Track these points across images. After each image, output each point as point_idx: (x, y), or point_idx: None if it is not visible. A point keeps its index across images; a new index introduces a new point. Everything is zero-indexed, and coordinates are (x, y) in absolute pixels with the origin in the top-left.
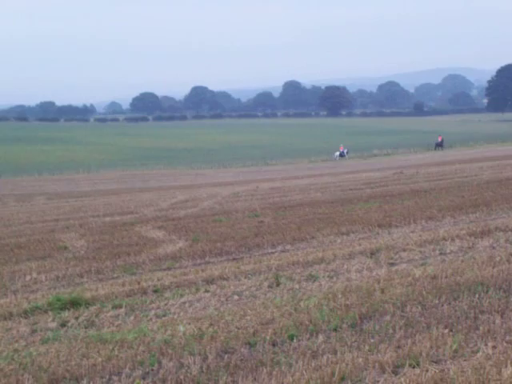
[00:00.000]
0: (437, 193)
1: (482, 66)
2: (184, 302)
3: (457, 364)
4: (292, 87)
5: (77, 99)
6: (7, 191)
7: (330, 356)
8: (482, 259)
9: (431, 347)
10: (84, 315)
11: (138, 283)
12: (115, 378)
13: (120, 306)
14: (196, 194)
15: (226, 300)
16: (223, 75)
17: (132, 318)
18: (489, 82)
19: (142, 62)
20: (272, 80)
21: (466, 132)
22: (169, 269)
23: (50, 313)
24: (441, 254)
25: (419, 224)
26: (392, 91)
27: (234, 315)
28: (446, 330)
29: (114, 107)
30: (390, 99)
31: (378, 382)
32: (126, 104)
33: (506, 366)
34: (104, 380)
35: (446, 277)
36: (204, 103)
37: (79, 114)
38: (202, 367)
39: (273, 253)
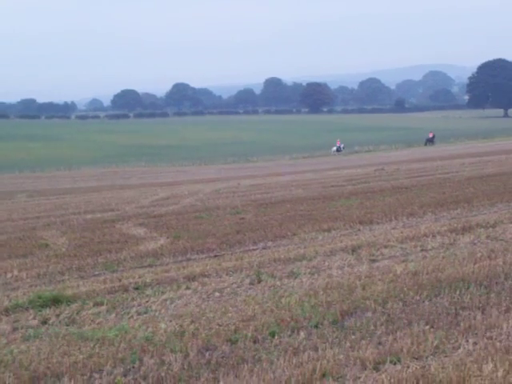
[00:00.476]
0: (418, 189)
1: (462, 63)
2: (165, 299)
3: (438, 360)
4: (273, 84)
5: (58, 96)
6: None
7: (311, 353)
8: (463, 255)
9: (412, 343)
10: (65, 313)
11: (119, 280)
12: (96, 375)
13: (101, 304)
14: (177, 191)
15: (208, 297)
16: (204, 72)
17: (113, 315)
18: (470, 78)
19: (122, 59)
20: (253, 77)
21: (447, 128)
22: (150, 266)
23: (31, 310)
24: (422, 250)
25: (400, 220)
26: (373, 88)
27: (215, 312)
28: (427, 327)
29: (95, 104)
30: (372, 96)
31: (359, 378)
32: (107, 101)
33: (487, 362)
34: (85, 377)
35: (427, 273)
36: (185, 100)
37: (60, 111)
38: (183, 364)
39: (254, 250)
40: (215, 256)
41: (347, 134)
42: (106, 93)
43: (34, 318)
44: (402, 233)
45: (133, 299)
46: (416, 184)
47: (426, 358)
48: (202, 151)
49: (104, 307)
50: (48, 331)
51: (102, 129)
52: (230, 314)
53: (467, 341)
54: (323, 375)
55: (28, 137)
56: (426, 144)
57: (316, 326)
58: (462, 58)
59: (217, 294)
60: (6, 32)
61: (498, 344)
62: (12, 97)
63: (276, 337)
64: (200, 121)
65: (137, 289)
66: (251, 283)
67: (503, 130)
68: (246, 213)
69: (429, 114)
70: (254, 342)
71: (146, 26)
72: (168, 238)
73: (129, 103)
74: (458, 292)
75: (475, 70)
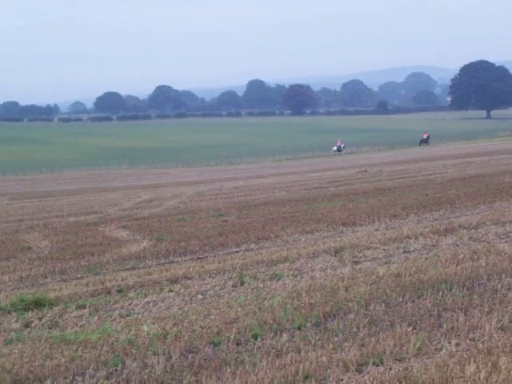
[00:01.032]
0: (401, 191)
1: (445, 65)
2: (148, 302)
3: (420, 362)
4: (256, 86)
5: (40, 99)
6: None
7: (293, 355)
8: (446, 257)
9: (395, 345)
10: (48, 316)
11: (102, 283)
12: (79, 378)
13: (84, 307)
14: (160, 194)
15: (190, 299)
16: (187, 74)
17: (96, 318)
18: (452, 80)
19: (105, 62)
20: (236, 79)
21: (430, 130)
22: (133, 268)
23: (13, 313)
24: (405, 252)
25: (383, 222)
26: (356, 90)
27: (198, 315)
28: (410, 328)
29: (77, 107)
30: (354, 97)
31: (342, 380)
32: (89, 104)
33: (470, 364)
34: (67, 381)
35: (409, 275)
36: (168, 102)
37: (43, 113)
38: (165, 367)
39: (237, 252)
40: (198, 258)
41: (330, 135)
42: (88, 95)
43: (17, 321)
44: (384, 234)
45: (115, 302)
46: (399, 186)
47: (409, 359)
48: (185, 154)
49: (87, 310)
50: (30, 334)
51: (85, 131)
52: (212, 317)
53: (450, 342)
54: (306, 377)
55: (10, 140)
56: (420, 144)
57: (299, 328)
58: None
59: (199, 296)
60: None
61: (481, 345)
62: None
63: (259, 339)
64: (183, 123)
65: (119, 291)
66: (234, 285)
67: (486, 131)
68: (229, 215)
69: (411, 115)
70: (237, 345)
71: (128, 29)
72: (151, 240)
73: (112, 106)
74: (440, 293)
75: (458, 71)
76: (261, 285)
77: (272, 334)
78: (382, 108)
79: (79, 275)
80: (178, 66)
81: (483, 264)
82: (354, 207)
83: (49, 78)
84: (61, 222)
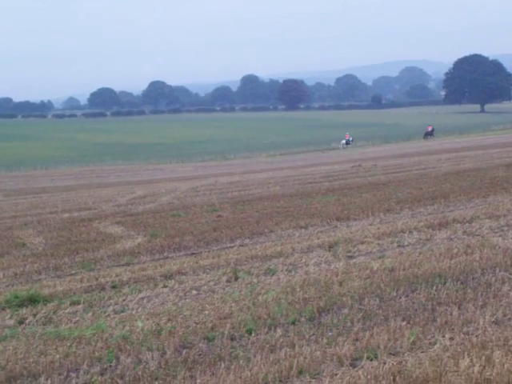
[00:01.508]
0: (395, 185)
1: (439, 59)
2: (142, 298)
3: (414, 356)
4: (250, 81)
5: (34, 95)
6: None
7: (288, 350)
8: (440, 251)
9: (389, 339)
10: (42, 312)
11: (96, 279)
12: (73, 374)
13: (78, 303)
14: (154, 189)
15: (185, 295)
16: (181, 69)
17: (90, 314)
18: (446, 74)
19: (99, 58)
20: (230, 74)
21: (424, 124)
22: (127, 264)
23: (7, 310)
24: (399, 246)
25: (377, 217)
26: (350, 84)
27: (192, 310)
28: (404, 323)
29: (71, 103)
30: (348, 92)
31: (336, 375)
32: (83, 100)
33: (463, 358)
34: (62, 377)
35: (403, 269)
36: (162, 98)
37: (37, 110)
38: (160, 363)
39: (231, 247)
40: (192, 254)
41: (324, 130)
42: (82, 91)
43: (11, 318)
44: (378, 229)
45: (110, 298)
46: (393, 180)
47: (403, 353)
48: (179, 149)
49: (81, 306)
50: (25, 331)
51: (79, 128)
52: (206, 312)
53: (444, 336)
54: (300, 372)
55: (4, 136)
56: (424, 137)
57: (293, 323)
58: (439, 54)
59: (194, 291)
60: None
61: (475, 339)
62: None
63: (253, 334)
64: (177, 119)
65: (114, 287)
66: (228, 281)
67: (480, 125)
68: (223, 210)
69: (405, 109)
70: (231, 340)
71: (122, 24)
72: (145, 236)
73: (106, 102)
74: (434, 288)
75: (452, 65)
76: (255, 280)
77: (266, 329)
78: (376, 102)
79: (73, 271)
80: (171, 62)
81: (477, 258)
82: (348, 202)
83: (43, 74)
84: (55, 219)
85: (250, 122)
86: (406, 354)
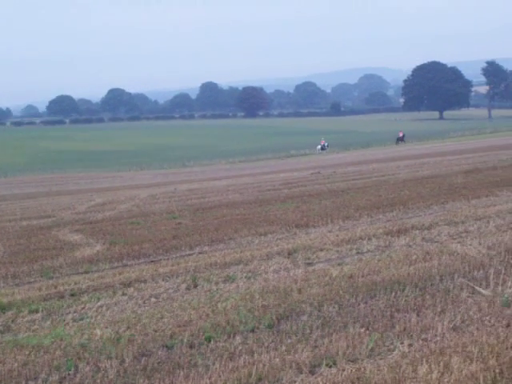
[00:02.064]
0: (354, 192)
1: (397, 66)
2: (101, 306)
3: (373, 363)
4: (209, 88)
5: None
6: None
7: (247, 357)
8: (399, 258)
9: (348, 346)
10: (0, 320)
11: (55, 287)
12: (31, 383)
13: (37, 311)
14: (114, 197)
15: (144, 303)
16: (140, 77)
17: (49, 322)
18: (405, 81)
19: (57, 65)
20: (189, 81)
21: (383, 131)
22: (86, 272)
23: None
24: (358, 253)
25: (336, 224)
26: (309, 91)
27: (151, 318)
28: (363, 329)
29: (30, 110)
30: (308, 99)
31: (295, 382)
32: (42, 107)
33: (422, 364)
34: None
35: (362, 276)
36: (121, 105)
37: None
38: (118, 371)
39: (190, 254)
40: (151, 261)
41: (283, 137)
42: (41, 99)
43: None
44: (337, 236)
45: (68, 306)
46: (352, 187)
47: (362, 360)
48: (139, 157)
49: (39, 314)
50: None
51: (38, 135)
52: (165, 320)
53: (402, 343)
54: (259, 379)
55: None
56: (397, 143)
57: (252, 331)
58: (397, 61)
59: (153, 299)
60: None
61: (433, 345)
62: None
63: (212, 342)
64: (136, 126)
65: (73, 295)
66: (187, 288)
67: (438, 132)
68: (183, 218)
69: (364, 117)
70: (190, 347)
71: (80, 32)
72: (104, 244)
73: (64, 109)
74: (393, 294)
75: (410, 72)
76: (214, 287)
77: (225, 337)
78: (335, 110)
79: (32, 279)
80: (130, 69)
81: (436, 264)
82: (307, 209)
83: (1, 81)
84: (14, 227)
85: (210, 129)
86: (364, 361)
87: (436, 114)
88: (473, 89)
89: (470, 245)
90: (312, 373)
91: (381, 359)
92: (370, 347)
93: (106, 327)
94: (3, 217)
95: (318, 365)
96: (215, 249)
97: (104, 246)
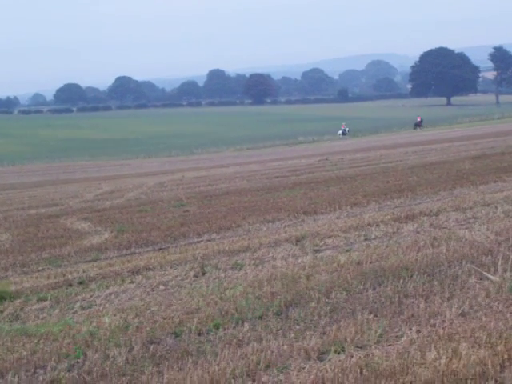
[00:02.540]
0: (362, 179)
1: (405, 52)
2: (109, 294)
3: (381, 349)
4: (216, 76)
5: (0, 92)
6: None
7: (255, 344)
8: (407, 244)
9: (356, 333)
10: (9, 309)
11: (63, 275)
12: (40, 371)
13: (45, 299)
14: (121, 185)
15: (152, 290)
16: (147, 65)
17: (57, 310)
18: (412, 67)
19: (65, 53)
20: (196, 69)
21: (391, 117)
22: (94, 260)
23: None
24: (366, 239)
25: (344, 210)
26: (316, 78)
27: (159, 305)
28: (371, 316)
29: (37, 99)
30: (315, 86)
31: (304, 368)
32: (50, 95)
33: (430, 350)
34: (29, 373)
35: (370, 262)
36: (128, 93)
37: (3, 106)
38: (127, 358)
39: (198, 242)
40: (159, 249)
41: (291, 124)
42: (48, 87)
43: None
44: (345, 222)
45: (77, 294)
46: (360, 173)
47: (370, 346)
48: (146, 144)
49: (48, 302)
50: None
51: (46, 123)
52: (174, 307)
53: (410, 329)
54: (267, 366)
55: None
56: (415, 128)
57: (260, 318)
58: (405, 47)
59: (161, 287)
60: None
61: (441, 331)
62: None
63: (220, 329)
64: (143, 114)
65: (81, 283)
66: (195, 276)
67: (446, 118)
68: (191, 205)
69: (372, 103)
70: (199, 335)
71: (87, 19)
72: (112, 231)
73: (72, 97)
74: (401, 280)
75: (417, 58)
76: (222, 275)
77: (233, 324)
78: (343, 96)
79: (40, 268)
80: (138, 57)
81: (444, 251)
82: (315, 196)
83: (8, 70)
84: (22, 215)
85: (217, 116)
86: (373, 347)
87: (443, 99)
88: (480, 74)
89: (478, 231)
90: (320, 359)
91: (389, 345)
92: (378, 333)
93: (115, 315)
94: (11, 205)
95: (326, 351)
96: (223, 236)
97: (112, 234)
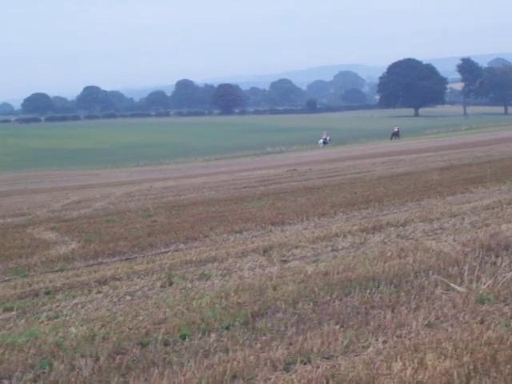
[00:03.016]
0: (329, 189)
1: (372, 63)
2: (76, 304)
3: (348, 359)
4: (184, 86)
5: None
6: None
7: (221, 354)
8: (374, 255)
9: (322, 343)
10: None
11: (30, 285)
12: (6, 381)
13: (11, 309)
14: (89, 195)
15: (119, 300)
16: (115, 74)
17: (23, 320)
18: (380, 78)
19: (32, 63)
20: (164, 79)
21: (359, 128)
22: (61, 270)
23: None
24: (333, 250)
25: (312, 221)
26: (285, 89)
27: (126, 316)
28: (338, 326)
29: (5, 108)
30: (283, 97)
31: (270, 379)
32: (17, 105)
33: (396, 361)
34: None
35: (337, 273)
36: (96, 103)
37: None
38: (93, 369)
39: (166, 252)
40: (127, 259)
41: (260, 134)
42: (16, 96)
43: None
44: (313, 233)
45: (43, 304)
46: (328, 184)
47: (336, 357)
48: (114, 154)
49: (14, 312)
50: None
51: (13, 133)
52: (140, 317)
53: (377, 339)
54: (234, 377)
55: None
56: (391, 138)
57: (227, 328)
58: (373, 58)
59: (128, 297)
60: None
61: (408, 342)
62: None
63: (187, 339)
64: (112, 124)
65: (47, 293)
66: (162, 286)
67: (414, 129)
68: (158, 215)
69: (340, 114)
70: (165, 345)
71: (55, 29)
72: (79, 241)
73: (40, 107)
74: (368, 291)
75: (386, 69)
76: (189, 285)
77: (200, 334)
78: (311, 107)
79: (7, 278)
80: (106, 67)
81: (410, 261)
82: (282, 206)
83: None
84: None
85: (185, 126)
86: (339, 358)
87: (411, 111)
88: (448, 86)
89: (445, 241)
90: (287, 370)
91: (355, 356)
92: (344, 344)
93: (81, 325)
94: None
95: (292, 362)
96: (190, 246)
97: (79, 244)
